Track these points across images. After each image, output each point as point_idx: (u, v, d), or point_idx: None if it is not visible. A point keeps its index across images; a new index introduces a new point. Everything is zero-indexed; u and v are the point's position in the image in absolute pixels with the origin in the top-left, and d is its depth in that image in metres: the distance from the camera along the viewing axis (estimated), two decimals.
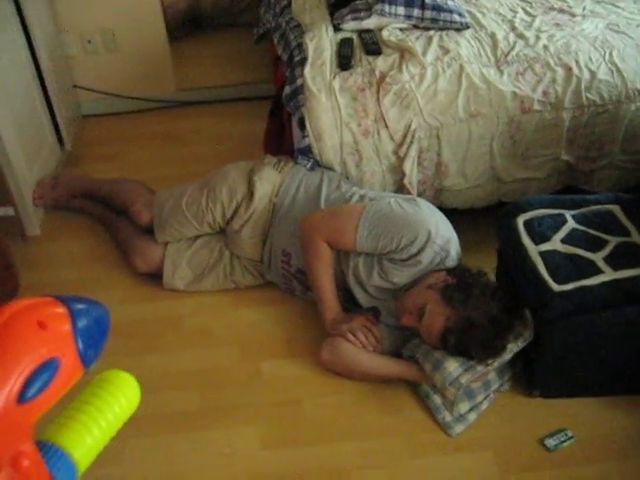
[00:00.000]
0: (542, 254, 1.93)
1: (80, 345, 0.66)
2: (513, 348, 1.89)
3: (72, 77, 3.17)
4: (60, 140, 2.98)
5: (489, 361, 1.86)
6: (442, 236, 1.96)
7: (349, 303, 2.13)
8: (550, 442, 1.88)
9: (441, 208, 2.18)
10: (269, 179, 2.22)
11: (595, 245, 1.95)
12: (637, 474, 1.82)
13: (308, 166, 2.24)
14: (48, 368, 0.61)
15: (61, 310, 0.64)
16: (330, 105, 2.21)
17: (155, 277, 2.35)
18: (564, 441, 1.88)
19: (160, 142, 3.08)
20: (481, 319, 1.82)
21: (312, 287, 2.09)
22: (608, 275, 1.87)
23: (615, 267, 1.89)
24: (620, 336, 1.87)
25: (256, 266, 2.29)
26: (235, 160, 2.38)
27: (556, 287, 1.84)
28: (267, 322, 2.24)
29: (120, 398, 0.97)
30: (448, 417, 1.91)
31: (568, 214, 2.06)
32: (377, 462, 1.84)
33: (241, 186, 2.23)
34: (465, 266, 1.98)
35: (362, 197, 2.12)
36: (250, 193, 2.21)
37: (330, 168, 2.27)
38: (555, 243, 1.96)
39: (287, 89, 2.34)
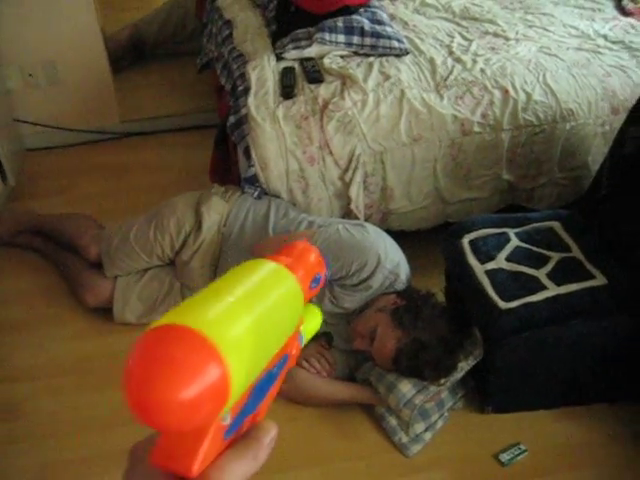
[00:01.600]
0: (488, 273, 1.98)
1: None
2: (464, 367, 1.93)
3: (13, 110, 3.13)
4: (3, 175, 2.93)
5: (441, 381, 1.89)
6: (391, 260, 2.00)
7: None
8: (504, 457, 1.91)
9: (389, 231, 2.21)
10: (217, 209, 2.23)
11: (538, 262, 2.01)
12: None
13: (255, 195, 2.25)
14: None
15: None
16: (275, 134, 2.24)
17: (106, 311, 2.32)
18: (518, 455, 1.92)
19: (106, 174, 3.06)
20: (431, 340, 1.86)
21: None
22: (552, 291, 1.92)
23: (558, 282, 1.94)
24: (566, 349, 1.92)
25: None
26: (182, 190, 2.39)
27: (503, 305, 1.89)
28: None
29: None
30: (404, 438, 1.94)
31: (511, 232, 2.11)
32: None
33: (189, 217, 2.23)
34: (414, 288, 2.02)
35: (310, 223, 2.14)
36: (198, 224, 2.22)
37: (277, 196, 2.28)
38: (500, 261, 2.01)
39: (231, 119, 2.36)
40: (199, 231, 2.21)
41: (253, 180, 2.26)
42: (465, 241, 2.07)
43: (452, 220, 2.42)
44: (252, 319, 0.47)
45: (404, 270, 2.05)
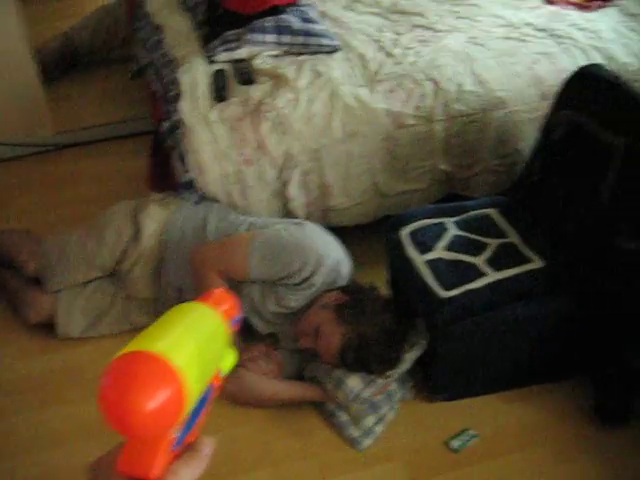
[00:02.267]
0: (428, 263, 2.00)
1: None
2: (410, 358, 1.95)
3: None
4: None
5: (388, 373, 1.91)
6: (333, 257, 2.00)
7: (246, 332, 2.14)
8: (455, 443, 1.94)
9: (330, 228, 2.22)
10: (155, 217, 2.21)
11: (476, 249, 2.04)
12: (539, 461, 1.91)
13: (193, 200, 2.24)
14: None
15: None
16: (209, 138, 2.22)
17: (49, 327, 2.27)
18: (468, 440, 1.95)
19: (42, 188, 2.99)
20: (375, 333, 1.87)
21: None
22: (491, 277, 1.96)
23: (497, 268, 1.98)
24: (509, 333, 1.95)
25: (152, 304, 2.27)
26: (120, 199, 2.35)
27: (444, 294, 1.91)
28: None
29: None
30: (355, 433, 1.95)
31: (449, 222, 2.14)
32: None
33: (127, 227, 2.21)
34: (357, 283, 2.03)
35: (251, 225, 2.13)
36: (137, 233, 2.19)
37: (215, 200, 2.27)
38: (439, 251, 2.03)
39: (165, 125, 2.34)
40: (138, 241, 2.18)
41: (190, 186, 2.24)
42: (404, 233, 2.09)
43: (392, 213, 2.43)
44: (197, 348, 0.58)
45: (346, 266, 2.06)
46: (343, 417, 1.97)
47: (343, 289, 1.98)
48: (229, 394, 2.02)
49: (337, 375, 1.93)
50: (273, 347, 2.06)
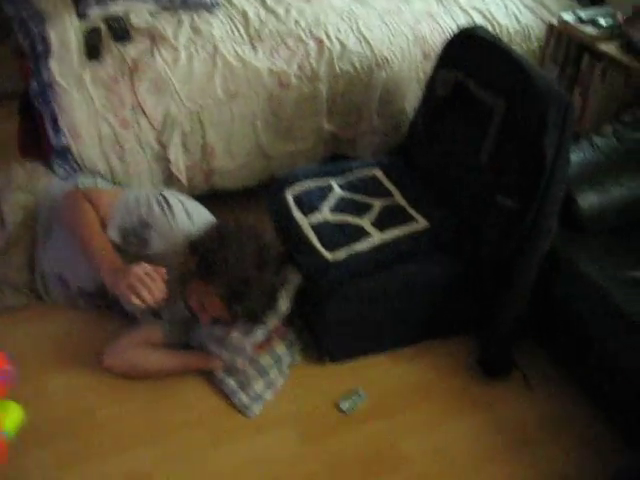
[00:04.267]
0: (313, 225, 1.98)
1: None
2: (287, 294, 1.92)
3: None
4: None
5: (268, 314, 1.89)
6: (199, 227, 1.93)
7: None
8: (345, 404, 1.94)
9: (214, 192, 2.16)
10: (19, 203, 2.06)
11: (362, 210, 2.04)
12: (427, 418, 1.94)
13: (62, 172, 2.10)
14: None
15: None
16: (83, 98, 2.10)
17: None
18: (358, 401, 1.96)
19: None
20: (242, 271, 1.80)
21: (84, 250, 1.89)
22: (376, 238, 1.96)
23: (382, 229, 1.98)
24: (395, 293, 1.96)
25: (29, 287, 2.13)
26: None
27: (330, 256, 1.90)
28: (46, 336, 2.09)
29: None
30: (244, 399, 1.92)
31: (334, 182, 2.12)
32: (179, 459, 1.80)
33: None
34: (202, 237, 1.89)
35: None
36: (1, 222, 2.04)
37: (92, 165, 2.15)
38: (324, 213, 2.01)
39: (34, 84, 2.19)
40: (4, 230, 2.05)
41: (64, 150, 2.11)
42: (288, 194, 2.06)
43: (278, 175, 2.39)
44: None
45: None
46: (232, 383, 1.94)
47: (190, 252, 1.88)
48: (110, 366, 1.94)
49: (217, 335, 1.90)
50: (158, 267, 1.82)
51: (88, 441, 1.84)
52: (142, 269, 1.75)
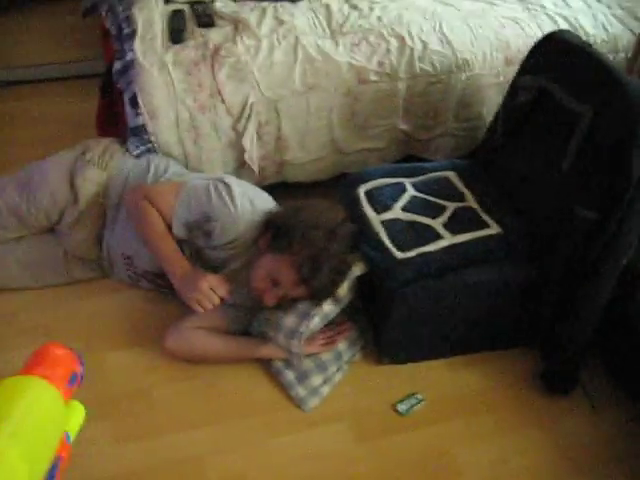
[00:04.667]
0: (384, 223, 1.95)
1: None
2: (348, 282, 1.90)
3: None
4: None
5: (333, 291, 1.88)
6: (262, 214, 1.93)
7: None
8: (402, 407, 1.91)
9: (285, 184, 2.15)
10: (93, 179, 2.08)
11: (434, 211, 2.00)
12: (482, 430, 1.90)
13: (135, 153, 2.12)
14: None
15: None
16: (163, 80, 2.11)
17: None
18: (415, 404, 1.93)
19: None
20: (319, 241, 1.81)
21: (153, 252, 1.94)
22: (447, 240, 1.92)
23: (453, 232, 1.94)
24: (461, 298, 1.92)
25: (96, 262, 2.16)
26: (67, 145, 2.22)
27: (399, 255, 1.87)
28: (109, 312, 2.12)
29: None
30: (301, 392, 1.90)
31: (407, 182, 2.09)
32: (232, 446, 1.80)
33: (63, 190, 2.07)
34: (275, 212, 1.93)
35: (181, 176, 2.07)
36: (74, 196, 2.06)
37: (167, 147, 2.17)
38: (396, 211, 1.99)
39: (117, 65, 2.22)
40: (76, 204, 2.06)
41: (141, 130, 2.13)
42: (361, 191, 2.04)
43: (349, 171, 2.38)
44: (22, 452, 0.56)
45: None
46: (290, 376, 1.93)
47: (267, 226, 1.90)
48: (170, 349, 1.95)
49: (274, 320, 1.90)
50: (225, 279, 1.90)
51: (143, 419, 1.85)
52: (209, 283, 1.82)
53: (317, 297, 1.88)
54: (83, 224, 2.08)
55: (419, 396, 1.94)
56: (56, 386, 0.66)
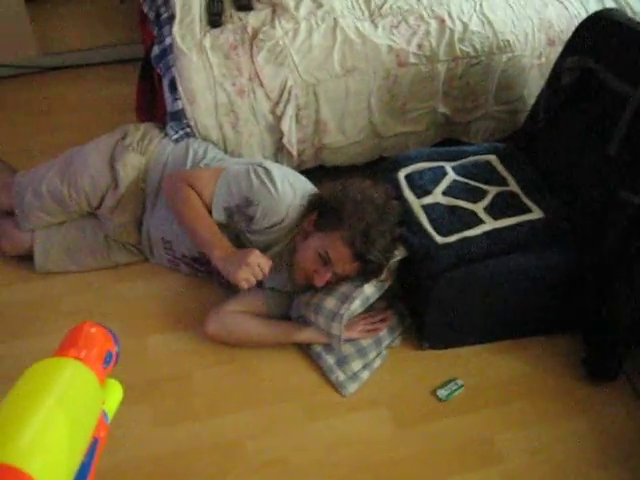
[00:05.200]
0: (425, 207, 1.94)
1: None
2: (390, 267, 1.89)
3: None
4: None
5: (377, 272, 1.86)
6: (302, 197, 1.92)
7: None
8: (442, 392, 1.90)
9: (322, 167, 2.13)
10: (133, 164, 2.08)
11: (475, 196, 1.98)
12: (522, 417, 1.88)
13: (175, 137, 2.12)
14: None
15: None
16: (202, 65, 2.11)
17: (29, 257, 2.18)
18: (455, 390, 1.91)
19: (21, 112, 2.86)
20: (368, 215, 1.80)
21: (193, 236, 1.92)
22: (489, 225, 1.89)
23: (495, 216, 1.92)
24: (503, 283, 1.90)
25: (136, 246, 2.18)
26: (106, 129, 2.23)
27: (440, 239, 1.85)
28: (150, 296, 2.14)
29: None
30: (341, 376, 1.90)
31: (448, 166, 2.07)
32: (272, 429, 1.81)
33: (104, 175, 2.08)
34: (322, 191, 1.93)
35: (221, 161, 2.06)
36: (115, 181, 2.07)
37: (206, 132, 2.17)
38: (437, 196, 1.96)
39: (155, 49, 2.22)
40: (116, 189, 2.07)
41: (180, 115, 2.13)
42: (401, 175, 2.02)
43: (387, 155, 2.36)
44: (60, 431, 0.53)
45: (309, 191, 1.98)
46: (330, 360, 1.93)
47: (311, 208, 1.90)
48: (211, 333, 1.96)
49: (315, 303, 1.89)
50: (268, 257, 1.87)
51: (183, 402, 1.87)
52: (256, 258, 1.77)
53: (368, 274, 1.87)
54: (123, 209, 2.10)
55: (459, 382, 1.93)
56: (91, 367, 0.66)
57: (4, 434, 0.50)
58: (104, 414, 0.71)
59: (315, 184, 2.02)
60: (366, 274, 1.87)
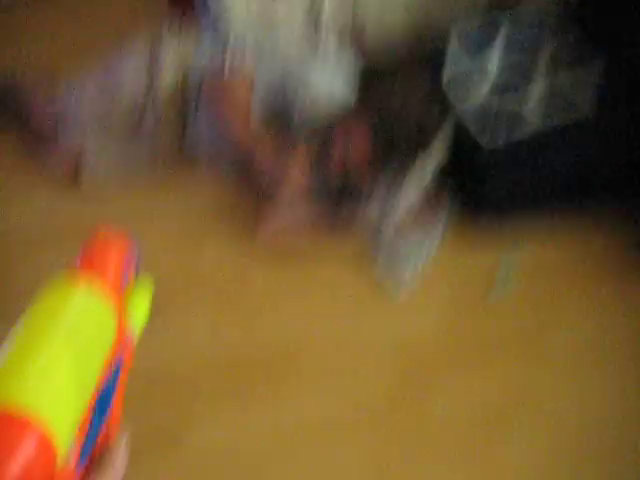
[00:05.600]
0: (469, 110, 1.87)
1: None
2: (430, 165, 1.89)
3: None
4: None
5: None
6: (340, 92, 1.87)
7: None
8: (494, 291, 1.91)
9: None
10: (170, 73, 2.04)
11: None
12: (577, 308, 1.89)
13: (211, 44, 2.05)
14: None
15: None
16: None
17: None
18: (507, 286, 1.91)
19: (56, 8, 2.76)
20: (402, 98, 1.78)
21: (236, 139, 1.94)
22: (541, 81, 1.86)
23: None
24: (555, 153, 1.88)
25: (179, 161, 2.18)
26: (137, 25, 2.20)
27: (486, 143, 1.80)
28: (198, 206, 2.12)
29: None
30: (392, 278, 1.93)
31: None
32: (323, 330, 1.85)
33: (141, 88, 2.05)
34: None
35: None
36: (153, 95, 2.04)
37: (241, 38, 2.08)
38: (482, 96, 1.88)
39: None
40: (155, 102, 2.04)
41: (215, 22, 2.05)
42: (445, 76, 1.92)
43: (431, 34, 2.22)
44: (68, 368, 0.48)
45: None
46: (380, 261, 1.95)
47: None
48: (263, 239, 1.98)
49: (363, 202, 1.93)
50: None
51: (239, 308, 1.90)
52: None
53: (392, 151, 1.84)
54: (164, 123, 2.09)
55: (511, 278, 1.93)
56: (105, 288, 0.62)
57: (10, 376, 0.46)
58: (129, 332, 0.66)
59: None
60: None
